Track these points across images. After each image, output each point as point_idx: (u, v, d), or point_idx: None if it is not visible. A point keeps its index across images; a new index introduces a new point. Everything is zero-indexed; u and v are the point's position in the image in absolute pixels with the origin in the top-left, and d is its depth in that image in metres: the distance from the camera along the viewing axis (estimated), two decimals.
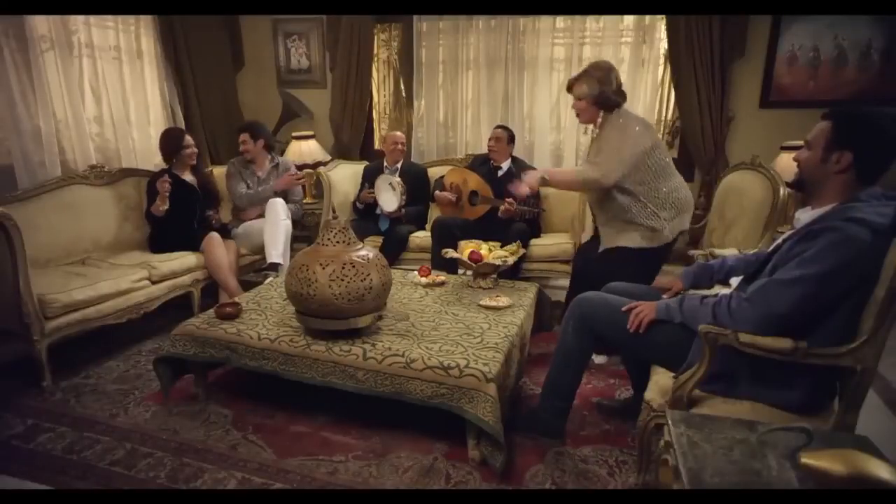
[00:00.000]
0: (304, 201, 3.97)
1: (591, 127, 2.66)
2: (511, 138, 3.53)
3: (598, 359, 2.61)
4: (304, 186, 4.05)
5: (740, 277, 1.68)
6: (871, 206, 1.33)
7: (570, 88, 2.40)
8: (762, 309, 1.38)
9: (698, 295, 1.59)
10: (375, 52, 4.58)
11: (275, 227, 3.26)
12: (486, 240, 2.80)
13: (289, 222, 3.37)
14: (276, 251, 3.22)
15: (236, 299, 2.48)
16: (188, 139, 3.26)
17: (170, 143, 3.24)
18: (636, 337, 1.67)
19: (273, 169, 3.57)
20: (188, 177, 3.28)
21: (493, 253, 2.65)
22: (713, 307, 1.48)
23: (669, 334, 1.61)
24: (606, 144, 2.35)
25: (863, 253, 1.30)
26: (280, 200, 3.36)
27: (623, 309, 1.71)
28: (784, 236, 1.52)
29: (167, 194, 3.07)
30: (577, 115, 2.45)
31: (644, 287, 1.94)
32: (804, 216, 1.47)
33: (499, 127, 3.58)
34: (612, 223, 2.47)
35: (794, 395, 1.45)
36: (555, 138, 4.37)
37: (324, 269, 1.94)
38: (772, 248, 1.55)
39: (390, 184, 3.56)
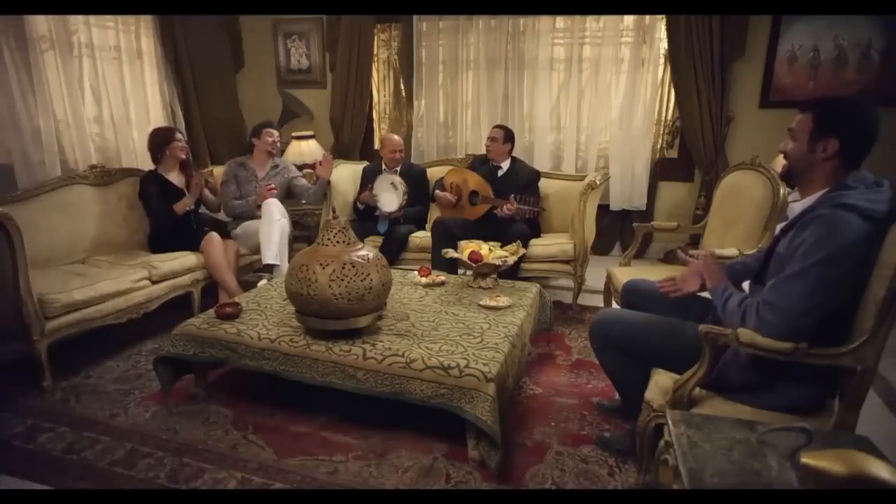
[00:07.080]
0: (303, 202, 3.95)
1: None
2: (508, 138, 3.47)
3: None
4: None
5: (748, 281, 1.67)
6: (861, 193, 1.35)
7: None
8: (781, 308, 1.36)
9: (740, 295, 1.54)
10: (375, 52, 4.58)
11: (269, 227, 3.18)
12: (486, 240, 2.80)
13: (285, 222, 3.31)
14: (271, 252, 3.15)
15: (236, 299, 2.48)
16: (178, 134, 3.21)
17: (156, 139, 3.17)
18: (657, 341, 1.66)
19: (272, 169, 3.56)
20: (175, 177, 3.22)
21: (493, 253, 2.64)
22: (744, 312, 1.44)
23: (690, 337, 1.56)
24: None
25: (856, 238, 1.31)
26: (275, 201, 3.30)
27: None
28: (780, 227, 1.52)
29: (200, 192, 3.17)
30: None
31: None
32: (797, 206, 1.49)
33: (497, 126, 3.55)
34: None
35: (793, 395, 1.45)
36: (555, 138, 4.37)
37: (324, 269, 1.94)
38: (770, 243, 1.55)
39: (392, 183, 3.51)
